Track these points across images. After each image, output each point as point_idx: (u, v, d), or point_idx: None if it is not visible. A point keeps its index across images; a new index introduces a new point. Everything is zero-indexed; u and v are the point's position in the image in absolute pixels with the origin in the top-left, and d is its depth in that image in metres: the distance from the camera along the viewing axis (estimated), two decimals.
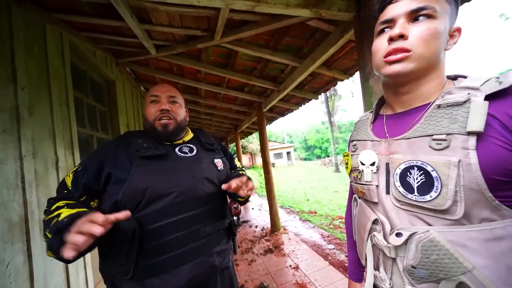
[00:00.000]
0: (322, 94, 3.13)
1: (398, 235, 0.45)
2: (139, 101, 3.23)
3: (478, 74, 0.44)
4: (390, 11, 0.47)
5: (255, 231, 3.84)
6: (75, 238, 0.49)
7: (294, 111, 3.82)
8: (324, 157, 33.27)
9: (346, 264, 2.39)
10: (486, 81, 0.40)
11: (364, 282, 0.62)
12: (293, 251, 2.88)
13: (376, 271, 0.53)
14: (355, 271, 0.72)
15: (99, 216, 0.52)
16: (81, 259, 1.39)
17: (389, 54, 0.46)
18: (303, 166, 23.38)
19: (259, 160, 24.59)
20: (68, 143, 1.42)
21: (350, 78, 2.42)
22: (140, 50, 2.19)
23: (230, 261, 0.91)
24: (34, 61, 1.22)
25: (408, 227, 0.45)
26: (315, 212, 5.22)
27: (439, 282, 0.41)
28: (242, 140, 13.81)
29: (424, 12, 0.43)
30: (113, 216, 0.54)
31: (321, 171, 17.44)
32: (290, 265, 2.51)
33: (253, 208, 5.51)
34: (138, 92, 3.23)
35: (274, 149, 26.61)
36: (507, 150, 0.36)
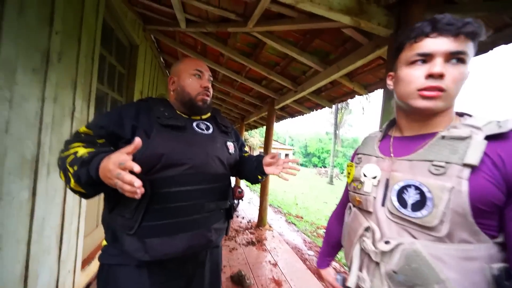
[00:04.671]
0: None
1: (387, 242, 0.50)
2: (157, 71, 3.23)
3: (482, 114, 0.49)
4: (429, 46, 0.48)
5: (241, 222, 3.91)
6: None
7: (305, 114, 3.83)
8: (321, 167, 33.31)
9: None
10: (488, 122, 0.45)
11: (330, 267, 0.83)
12: (275, 248, 2.94)
13: (359, 272, 0.58)
14: (325, 261, 0.86)
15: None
16: (77, 209, 1.44)
17: (425, 89, 0.48)
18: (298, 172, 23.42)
19: None
20: (86, 96, 1.45)
21: (368, 94, 2.42)
22: (170, 21, 2.19)
23: (221, 242, 0.95)
24: (71, 9, 1.23)
25: (396, 237, 0.50)
26: (302, 217, 5.29)
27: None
28: (245, 132, 13.81)
29: (460, 56, 0.46)
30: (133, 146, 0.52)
31: (315, 180, 17.52)
32: (269, 261, 2.58)
33: (242, 200, 5.57)
34: (157, 62, 3.22)
35: (274, 148, 26.61)
36: (493, 185, 0.42)
